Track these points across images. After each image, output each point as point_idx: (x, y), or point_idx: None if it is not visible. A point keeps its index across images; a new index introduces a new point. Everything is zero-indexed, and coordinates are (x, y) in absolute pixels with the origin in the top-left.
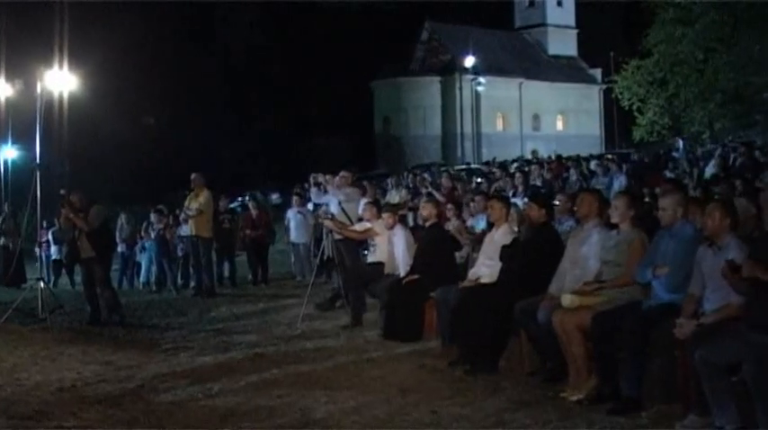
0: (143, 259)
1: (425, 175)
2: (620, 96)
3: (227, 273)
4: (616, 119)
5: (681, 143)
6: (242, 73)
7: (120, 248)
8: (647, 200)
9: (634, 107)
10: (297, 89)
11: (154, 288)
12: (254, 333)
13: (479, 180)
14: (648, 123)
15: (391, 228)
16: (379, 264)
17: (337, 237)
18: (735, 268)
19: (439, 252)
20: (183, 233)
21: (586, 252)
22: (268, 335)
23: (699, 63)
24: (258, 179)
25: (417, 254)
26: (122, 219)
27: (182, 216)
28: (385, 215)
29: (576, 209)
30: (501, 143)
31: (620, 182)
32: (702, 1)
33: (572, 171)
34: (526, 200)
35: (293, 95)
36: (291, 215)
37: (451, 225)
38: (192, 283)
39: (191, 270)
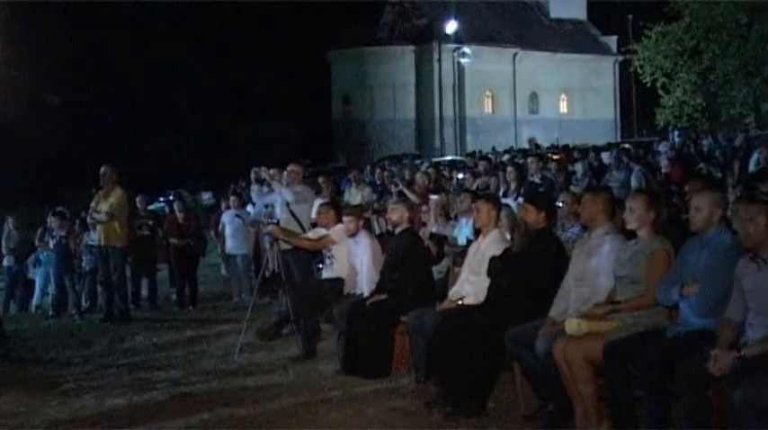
0: (37, 275)
1: (395, 169)
2: (640, 70)
3: (145, 293)
4: (635, 99)
5: (677, 134)
6: (167, 44)
7: (6, 262)
8: (673, 200)
9: (658, 84)
10: (235, 62)
11: (51, 312)
12: (180, 367)
13: (461, 176)
14: (676, 104)
15: (353, 234)
16: (338, 281)
17: (285, 246)
18: None
19: (412, 265)
20: (89, 242)
21: (596, 266)
22: (197, 370)
23: (741, 28)
24: (185, 174)
25: (385, 267)
26: (9, 224)
27: (88, 220)
28: (346, 219)
29: (579, 211)
30: (490, 129)
31: (637, 177)
32: None
33: (579, 164)
34: (521, 200)
35: (231, 70)
36: (227, 219)
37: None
38: (101, 305)
39: (99, 289)
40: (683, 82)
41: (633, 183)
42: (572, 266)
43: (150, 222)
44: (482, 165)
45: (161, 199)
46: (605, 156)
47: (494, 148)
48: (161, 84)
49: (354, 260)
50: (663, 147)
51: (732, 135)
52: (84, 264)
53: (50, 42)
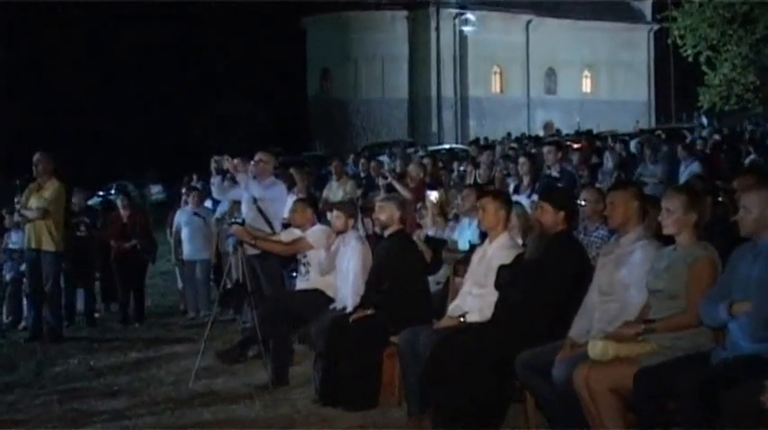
0: None
1: (384, 159)
2: (680, 42)
3: (80, 306)
4: (673, 76)
5: (705, 120)
6: (105, 5)
7: None
8: (719, 199)
9: (702, 58)
10: (191, 29)
11: None
12: (123, 396)
13: (463, 168)
14: (723, 83)
15: (341, 232)
16: (315, 293)
17: (251, 251)
18: None
19: (403, 275)
20: (13, 245)
21: (626, 277)
22: (144, 400)
23: None
24: (131, 163)
25: (371, 277)
26: None
27: (15, 218)
28: (334, 214)
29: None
30: (497, 112)
31: (690, 171)
32: None
33: (607, 155)
34: (535, 198)
35: (185, 38)
36: (184, 218)
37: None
38: (25, 322)
39: (24, 301)
40: (733, 56)
41: (685, 177)
42: (597, 277)
43: (88, 221)
44: (485, 157)
45: (100, 193)
46: (633, 145)
47: (509, 134)
48: (99, 55)
49: (340, 266)
50: (704, 134)
51: None
52: (5, 272)
53: None
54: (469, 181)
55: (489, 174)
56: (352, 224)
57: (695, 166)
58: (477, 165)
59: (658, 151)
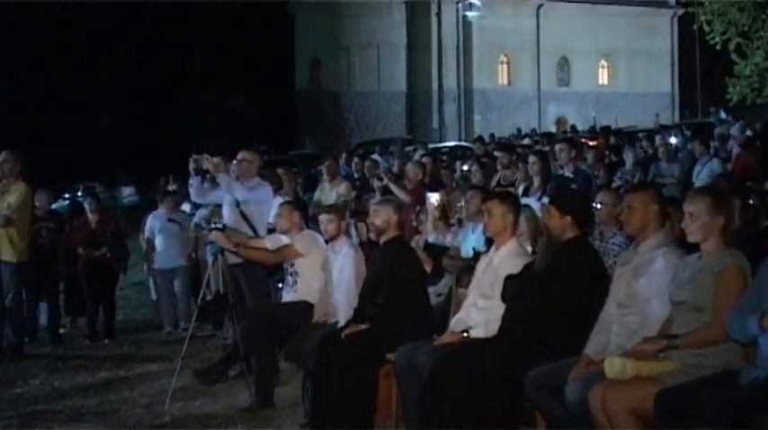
0: None
1: (379, 158)
2: (706, 28)
3: (43, 321)
4: (699, 66)
5: (723, 115)
6: None
7: None
8: (750, 202)
9: (731, 46)
10: (168, 16)
11: None
12: (91, 420)
13: (466, 167)
14: (755, 73)
15: (333, 239)
16: (304, 305)
17: (233, 259)
18: None
19: (401, 285)
20: None
21: (646, 288)
22: (114, 425)
23: None
24: (100, 163)
25: (365, 288)
26: None
27: None
28: (324, 218)
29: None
30: (505, 106)
31: (710, 170)
32: None
33: (626, 152)
34: (545, 201)
35: (161, 26)
36: (158, 223)
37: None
38: None
39: None
40: (765, 43)
41: (704, 177)
42: (614, 288)
43: (51, 226)
44: (503, 158)
45: (66, 195)
46: (657, 142)
47: (519, 130)
48: (67, 44)
49: (332, 275)
50: (734, 131)
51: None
52: None
53: None
54: (483, 182)
55: (512, 176)
56: (344, 229)
57: (715, 164)
58: (482, 166)
59: (674, 149)
